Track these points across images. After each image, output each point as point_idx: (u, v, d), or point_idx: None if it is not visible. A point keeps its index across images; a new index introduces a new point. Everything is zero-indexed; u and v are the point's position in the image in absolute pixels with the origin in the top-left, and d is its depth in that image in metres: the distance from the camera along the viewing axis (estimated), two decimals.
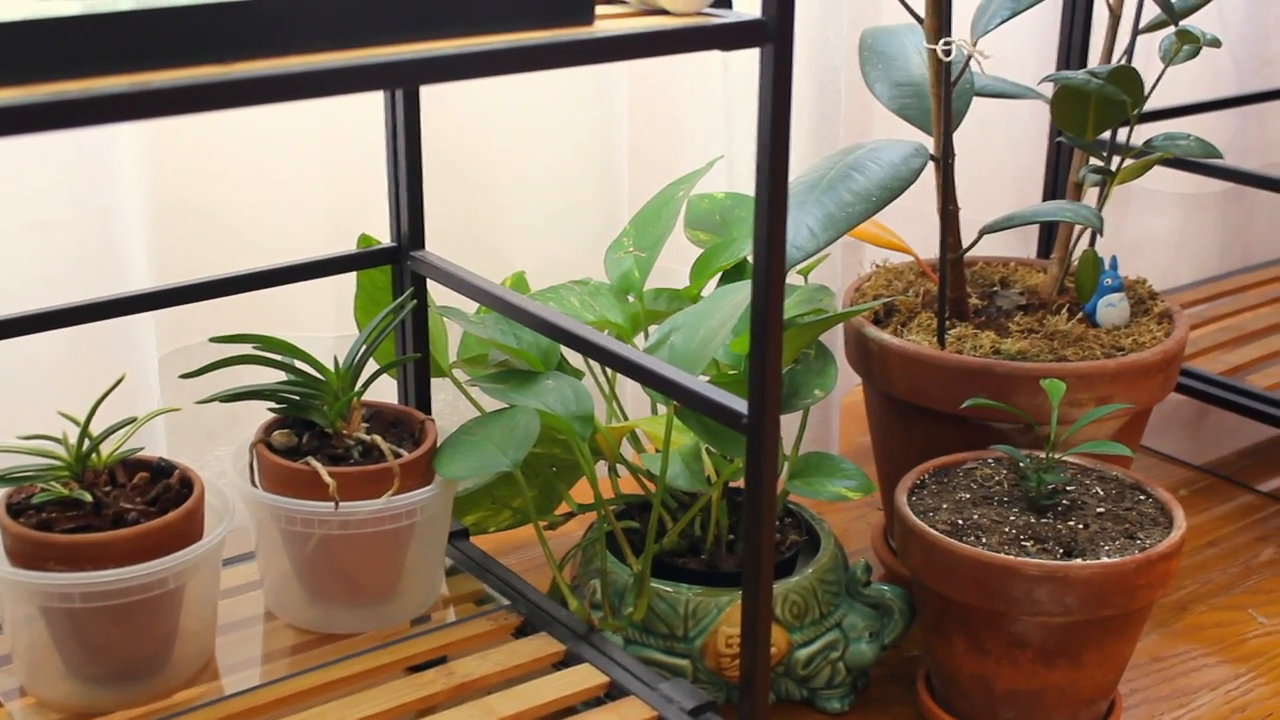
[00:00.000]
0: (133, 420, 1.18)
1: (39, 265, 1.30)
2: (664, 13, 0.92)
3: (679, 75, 1.65)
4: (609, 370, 1.41)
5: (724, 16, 0.91)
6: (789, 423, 1.41)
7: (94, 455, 1.16)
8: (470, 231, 1.55)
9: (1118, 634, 1.26)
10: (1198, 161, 1.84)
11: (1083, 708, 1.29)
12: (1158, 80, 1.49)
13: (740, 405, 1.00)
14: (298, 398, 1.25)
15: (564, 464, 1.40)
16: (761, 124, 0.91)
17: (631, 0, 0.94)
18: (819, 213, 1.29)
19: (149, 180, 1.37)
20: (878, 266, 1.64)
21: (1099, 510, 1.30)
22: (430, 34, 0.81)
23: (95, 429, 1.16)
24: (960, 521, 1.28)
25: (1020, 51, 1.90)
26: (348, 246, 1.37)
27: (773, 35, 0.89)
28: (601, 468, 1.40)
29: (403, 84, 0.94)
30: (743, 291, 1.19)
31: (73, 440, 1.15)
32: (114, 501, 1.14)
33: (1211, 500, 1.77)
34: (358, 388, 1.25)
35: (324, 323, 1.50)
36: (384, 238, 1.36)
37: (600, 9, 0.90)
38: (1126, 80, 1.41)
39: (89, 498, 1.13)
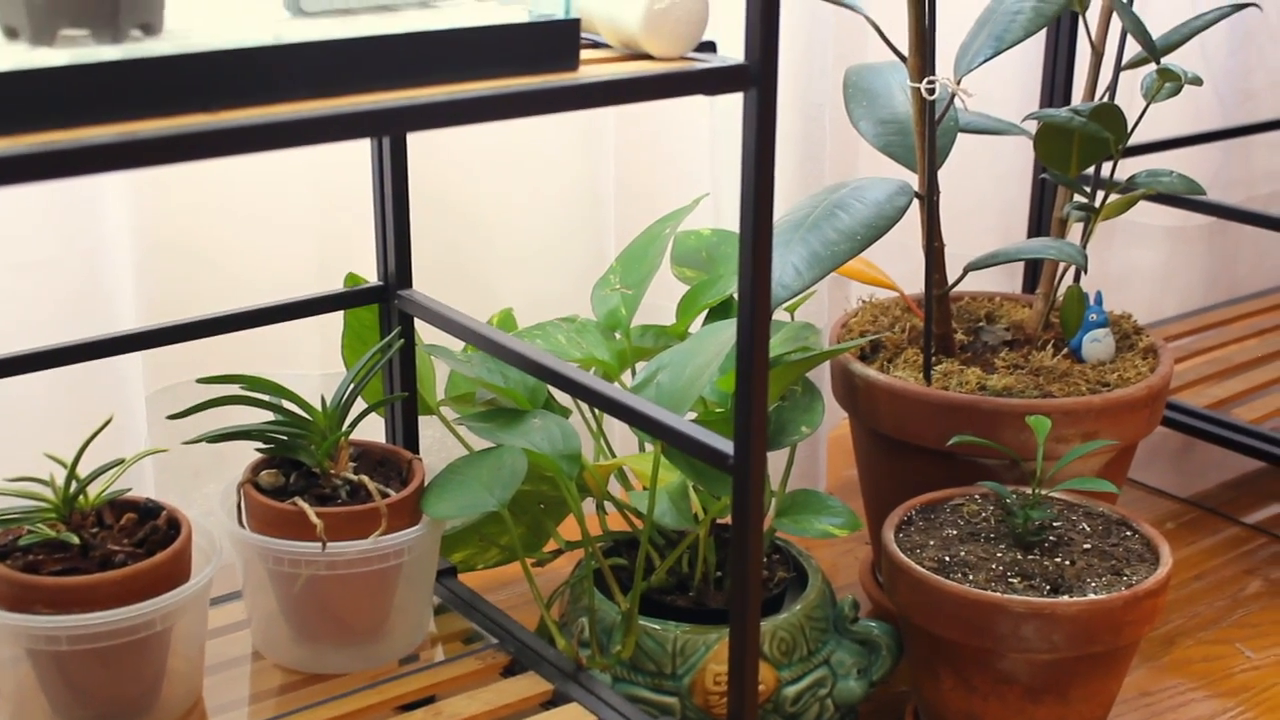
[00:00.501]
0: (120, 461, 1.18)
1: (26, 306, 1.30)
2: (648, 57, 0.92)
3: (665, 113, 1.66)
4: (595, 408, 1.41)
5: (708, 61, 0.91)
6: (776, 459, 1.42)
7: (81, 497, 1.16)
8: (458, 268, 1.56)
9: (1105, 670, 1.26)
10: (1182, 197, 1.85)
11: None
12: (1140, 117, 1.50)
13: (726, 445, 1.00)
14: (285, 437, 1.25)
15: (552, 501, 1.40)
16: (745, 166, 0.92)
17: (615, 44, 0.94)
18: (804, 251, 1.30)
19: (136, 220, 1.38)
20: (864, 303, 1.64)
21: (1085, 546, 1.30)
22: (416, 81, 0.82)
23: (83, 470, 1.16)
24: (947, 558, 1.28)
25: (1004, 88, 1.91)
26: (335, 285, 1.38)
27: (756, 79, 0.89)
28: (589, 505, 1.40)
29: (389, 132, 0.95)
30: (729, 329, 1.19)
31: (60, 482, 1.15)
32: (101, 543, 1.14)
33: (1198, 533, 1.78)
34: (345, 427, 1.25)
35: (312, 361, 1.50)
36: (371, 276, 1.36)
37: (585, 53, 0.91)
38: (1109, 117, 1.42)
39: (76, 540, 1.13)
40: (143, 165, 0.72)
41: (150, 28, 0.77)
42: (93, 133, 0.71)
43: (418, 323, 1.36)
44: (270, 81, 0.77)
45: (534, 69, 0.85)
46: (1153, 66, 1.47)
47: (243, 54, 0.76)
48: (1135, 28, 1.42)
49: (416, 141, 1.36)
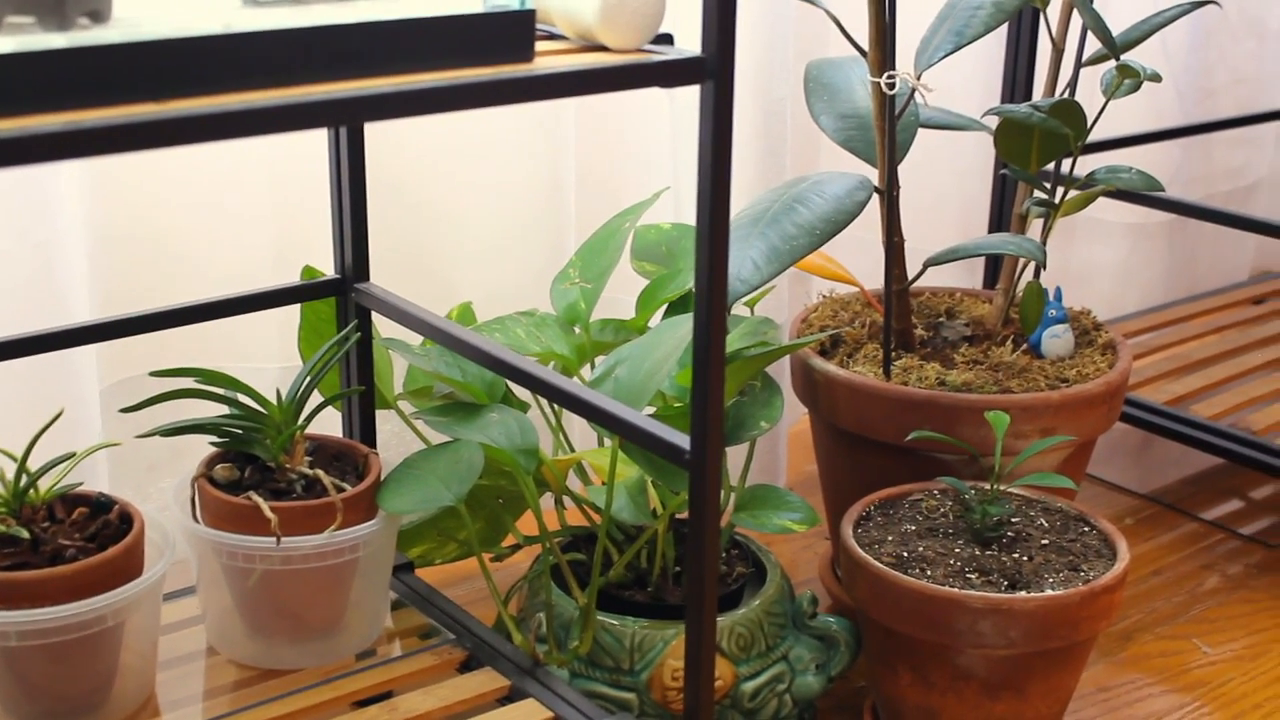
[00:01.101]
0: (72, 455, 1.17)
1: None
2: (604, 49, 0.92)
3: (626, 106, 1.65)
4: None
5: (664, 53, 0.91)
6: (736, 454, 1.41)
7: (32, 491, 1.14)
8: (416, 261, 1.55)
9: (1062, 666, 1.26)
10: (1141, 193, 1.85)
11: None
12: (1100, 113, 1.50)
13: (683, 440, 1.00)
14: (240, 431, 1.24)
15: (510, 496, 1.40)
16: (702, 160, 0.91)
17: (571, 36, 0.94)
18: (763, 246, 1.29)
19: (90, 212, 1.36)
20: (824, 298, 1.64)
21: (1043, 542, 1.30)
22: (369, 71, 0.81)
23: (34, 464, 1.14)
24: (905, 554, 1.28)
25: (965, 84, 1.91)
26: (292, 276, 1.37)
27: (712, 72, 0.89)
28: (547, 500, 1.40)
29: (341, 122, 0.94)
30: (688, 324, 1.19)
31: (9, 476, 1.14)
32: (52, 538, 1.13)
33: (1156, 529, 1.78)
34: (301, 421, 1.25)
35: (269, 354, 1.49)
36: (329, 269, 1.35)
37: (540, 45, 0.90)
38: (1069, 113, 1.42)
39: (26, 534, 1.11)
40: (89, 154, 0.71)
41: (98, 15, 0.76)
42: (39, 121, 0.70)
43: (375, 316, 1.35)
44: (221, 71, 0.76)
45: (489, 60, 0.85)
46: (1113, 63, 1.47)
47: (193, 43, 0.75)
48: (1095, 24, 1.43)
49: (374, 134, 1.36)
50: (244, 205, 1.45)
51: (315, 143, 1.34)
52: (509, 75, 0.84)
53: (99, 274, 1.39)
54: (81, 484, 1.18)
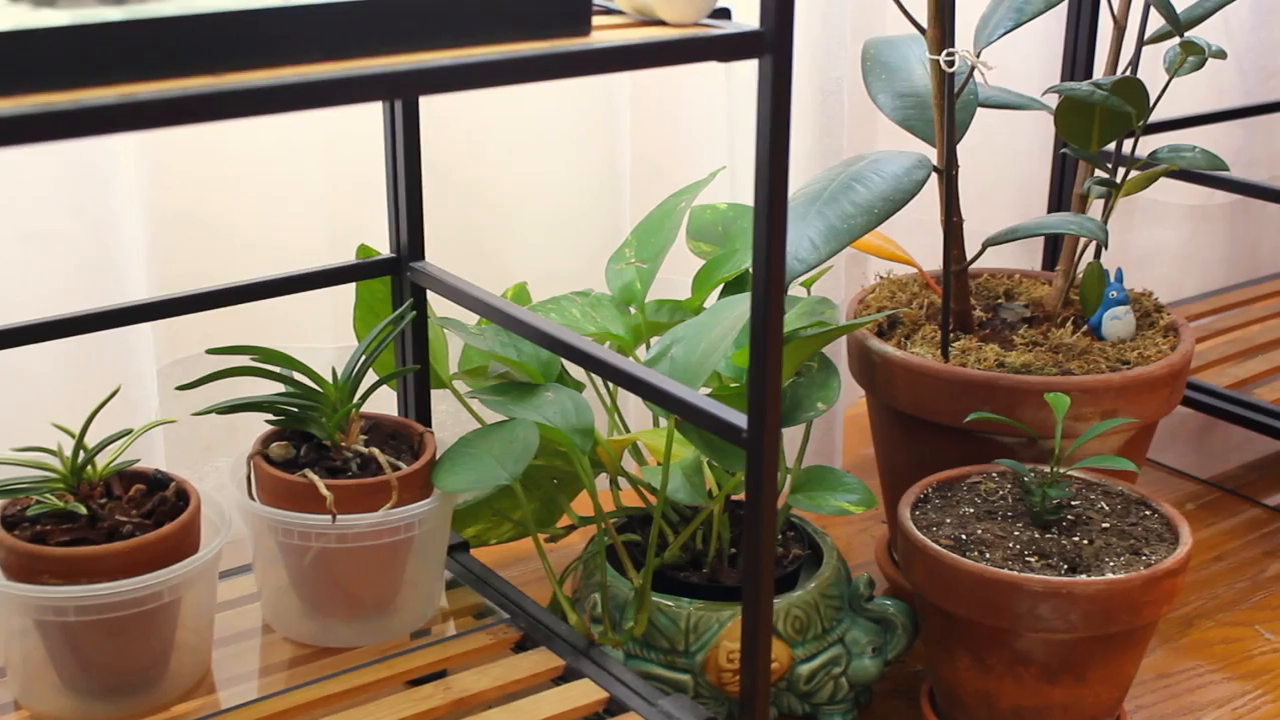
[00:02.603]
0: (129, 432, 1.17)
1: (36, 276, 1.29)
2: (661, 23, 0.91)
3: (682, 85, 1.64)
4: (610, 382, 1.40)
5: (722, 27, 0.90)
6: (792, 436, 1.40)
7: (89, 467, 1.15)
8: (472, 242, 1.55)
9: (1123, 651, 1.24)
10: (1204, 174, 1.83)
11: None
12: (1163, 91, 1.48)
13: (740, 419, 0.99)
14: (296, 409, 1.24)
15: (565, 476, 1.39)
16: (760, 136, 0.90)
17: (628, 10, 0.93)
18: (820, 225, 1.28)
19: (147, 190, 1.37)
20: (881, 279, 1.63)
21: (1104, 525, 1.29)
22: (426, 45, 0.80)
23: (91, 441, 1.15)
24: (964, 536, 1.27)
25: (1024, 62, 1.89)
26: (347, 256, 1.37)
27: (771, 46, 0.88)
28: (603, 480, 1.39)
29: (398, 95, 0.93)
30: (744, 304, 1.18)
31: (68, 452, 1.14)
32: (109, 514, 1.13)
33: (1218, 514, 1.76)
34: (356, 399, 1.24)
35: (324, 333, 1.49)
36: (384, 248, 1.35)
37: (597, 19, 0.89)
38: (1131, 91, 1.40)
39: (84, 510, 1.12)
40: (145, 127, 0.71)
41: None
42: (94, 94, 0.70)
43: (430, 295, 1.34)
44: (276, 44, 0.76)
45: (546, 34, 0.84)
46: (1175, 40, 1.45)
47: (248, 15, 0.75)
48: (1159, 0, 1.41)
49: (429, 114, 1.35)
50: (299, 185, 1.45)
51: (370, 123, 1.34)
52: (566, 49, 0.83)
53: (155, 253, 1.39)
54: (139, 461, 1.19)
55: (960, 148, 1.42)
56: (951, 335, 1.47)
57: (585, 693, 1.18)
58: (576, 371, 1.36)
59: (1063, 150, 1.73)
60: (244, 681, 1.22)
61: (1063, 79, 1.76)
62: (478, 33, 0.82)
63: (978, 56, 1.38)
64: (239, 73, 0.75)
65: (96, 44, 0.71)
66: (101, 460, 1.16)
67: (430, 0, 0.80)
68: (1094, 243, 1.51)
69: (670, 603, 1.28)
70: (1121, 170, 1.49)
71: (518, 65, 0.82)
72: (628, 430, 1.44)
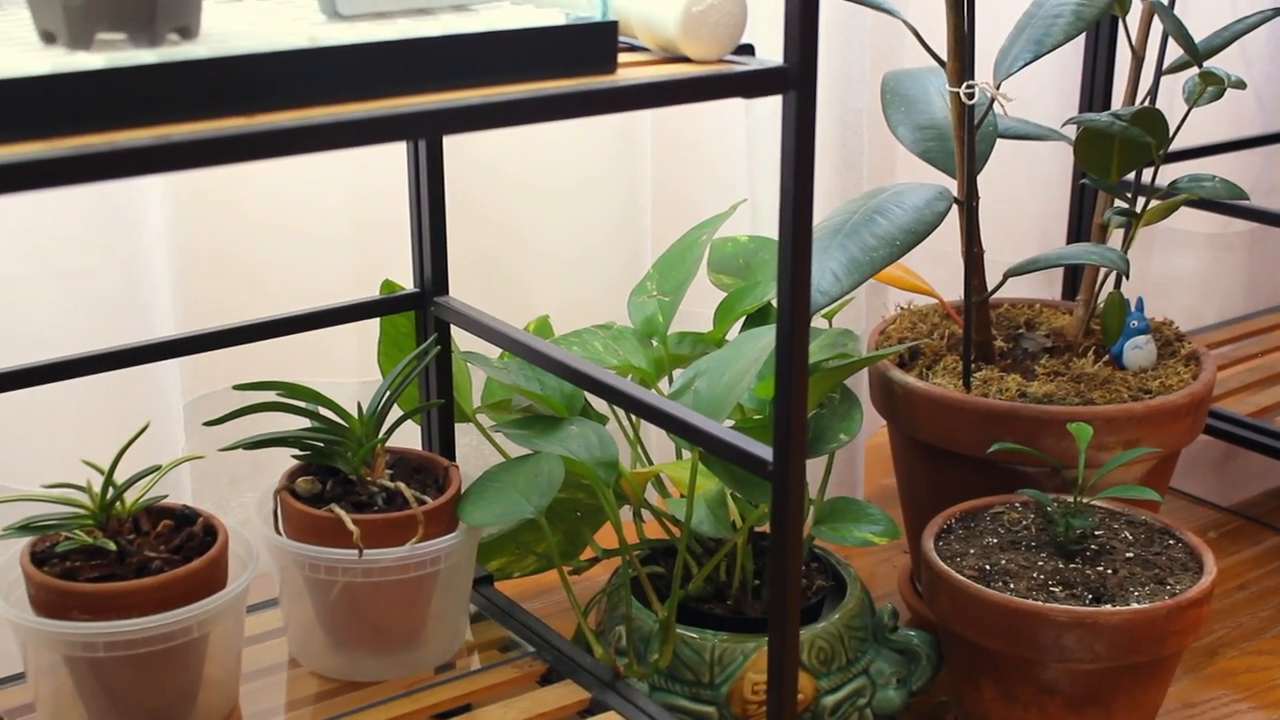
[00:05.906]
0: (157, 468, 1.18)
1: (64, 313, 1.30)
2: (686, 60, 0.92)
3: (702, 119, 1.65)
4: (633, 415, 1.40)
5: (746, 64, 0.91)
6: (814, 467, 1.40)
7: (118, 503, 1.16)
8: (494, 275, 1.56)
9: (1148, 681, 1.24)
10: (1223, 202, 1.83)
11: None
12: (1182, 121, 1.48)
13: (765, 452, 0.99)
14: (321, 444, 1.25)
15: (589, 509, 1.40)
16: (784, 170, 0.91)
17: (653, 47, 0.94)
18: (842, 257, 1.29)
19: (174, 228, 1.38)
20: (902, 309, 1.63)
21: (1128, 555, 1.29)
22: (452, 84, 0.81)
23: (119, 477, 1.16)
24: (988, 567, 1.27)
25: (1043, 93, 1.90)
26: (371, 291, 1.37)
27: (795, 82, 0.88)
28: (626, 512, 1.40)
29: (426, 135, 0.94)
30: (767, 336, 1.19)
31: (97, 488, 1.15)
32: (138, 550, 1.14)
33: (1241, 543, 1.76)
34: (381, 434, 1.25)
35: (348, 368, 1.50)
36: (407, 282, 1.36)
37: (622, 57, 0.90)
38: (1150, 122, 1.41)
39: (113, 546, 1.13)
40: (179, 168, 0.72)
41: (187, 31, 0.77)
42: (129, 136, 0.71)
43: (454, 330, 1.35)
44: (306, 85, 0.77)
45: (571, 72, 0.85)
46: (1194, 70, 1.45)
47: (279, 57, 0.76)
48: (1177, 31, 1.41)
49: (453, 149, 1.36)
50: (324, 222, 1.46)
51: (394, 159, 1.35)
52: (592, 87, 0.84)
53: (182, 290, 1.40)
54: (167, 496, 1.19)
55: (980, 178, 1.43)
56: (973, 366, 1.47)
57: None
58: (599, 404, 1.37)
59: (1082, 180, 1.74)
60: (271, 716, 1.22)
61: (1081, 110, 1.77)
62: (505, 72, 0.83)
63: (997, 88, 1.39)
64: (270, 113, 0.75)
65: (131, 86, 0.72)
66: (130, 496, 1.16)
67: (458, 40, 0.81)
68: (1114, 272, 1.52)
69: (695, 635, 1.29)
70: (1141, 200, 1.50)
71: (546, 103, 0.82)
72: (650, 463, 1.45)
